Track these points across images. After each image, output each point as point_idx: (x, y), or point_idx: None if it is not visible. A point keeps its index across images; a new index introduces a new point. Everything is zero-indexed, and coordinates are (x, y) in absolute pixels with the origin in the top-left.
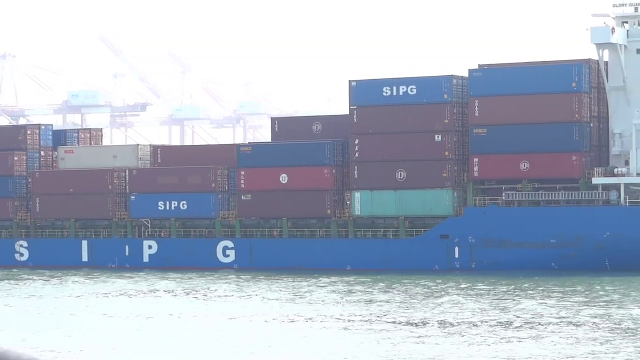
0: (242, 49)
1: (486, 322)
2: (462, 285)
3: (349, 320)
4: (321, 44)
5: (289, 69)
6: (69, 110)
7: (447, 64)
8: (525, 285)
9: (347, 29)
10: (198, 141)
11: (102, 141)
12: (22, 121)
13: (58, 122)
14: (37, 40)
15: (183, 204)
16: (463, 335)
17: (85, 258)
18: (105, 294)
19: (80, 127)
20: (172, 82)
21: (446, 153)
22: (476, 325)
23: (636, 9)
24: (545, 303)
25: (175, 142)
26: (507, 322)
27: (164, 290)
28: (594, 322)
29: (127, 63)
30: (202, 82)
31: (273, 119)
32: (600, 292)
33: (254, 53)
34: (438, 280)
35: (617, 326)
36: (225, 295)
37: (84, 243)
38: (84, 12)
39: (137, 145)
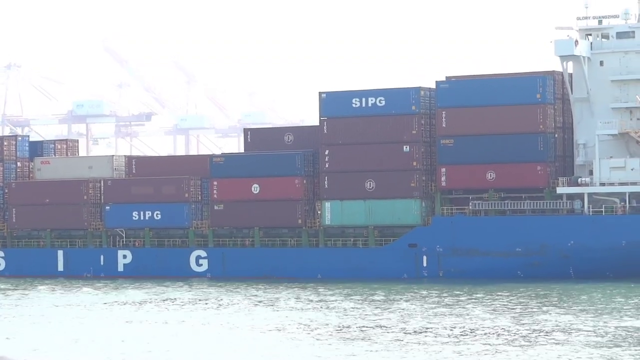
0: (247, 58)
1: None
2: (422, 292)
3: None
4: (323, 54)
5: (294, 78)
6: (73, 120)
7: (416, 76)
8: (480, 294)
9: (347, 37)
10: (203, 150)
11: (78, 152)
12: (26, 131)
13: (63, 132)
14: (42, 50)
15: (157, 214)
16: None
17: (61, 268)
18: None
19: (57, 139)
20: (177, 92)
21: (414, 163)
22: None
23: (600, 22)
24: (494, 311)
25: (181, 151)
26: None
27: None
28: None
29: (132, 73)
30: (206, 91)
31: (246, 130)
32: (549, 299)
33: (258, 63)
34: (396, 289)
35: (544, 334)
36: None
37: (60, 253)
38: (88, 22)
39: (112, 156)
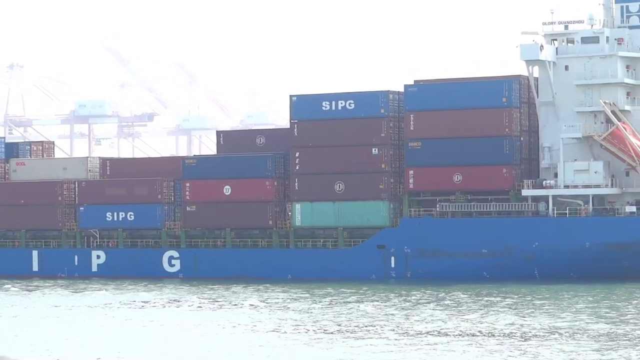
0: (248, 58)
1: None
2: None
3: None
4: (324, 54)
5: (295, 78)
6: (76, 121)
7: (385, 80)
8: (442, 294)
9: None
10: (205, 151)
11: (54, 154)
12: (29, 131)
13: (65, 132)
14: (45, 50)
15: (130, 214)
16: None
17: (35, 268)
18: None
19: (30, 141)
20: (179, 92)
21: (383, 166)
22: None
23: (566, 27)
24: (442, 312)
25: (182, 152)
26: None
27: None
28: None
29: (134, 73)
30: (208, 92)
31: (218, 132)
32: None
33: (260, 63)
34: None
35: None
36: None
37: (35, 253)
38: (90, 22)
39: (87, 157)
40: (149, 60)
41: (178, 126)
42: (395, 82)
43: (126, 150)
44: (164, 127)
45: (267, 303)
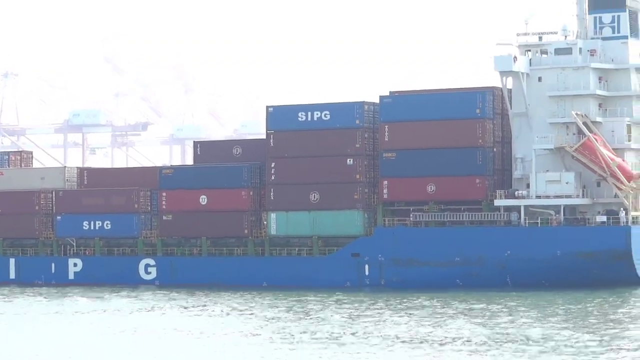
0: (246, 67)
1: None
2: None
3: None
4: (323, 63)
5: (293, 87)
6: (70, 130)
7: (361, 91)
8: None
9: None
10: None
11: (32, 164)
12: (22, 140)
13: (59, 141)
14: (39, 59)
15: (107, 224)
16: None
17: (12, 275)
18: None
19: (11, 150)
20: (174, 101)
21: (357, 176)
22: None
23: (540, 38)
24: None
25: (176, 161)
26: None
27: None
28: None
29: (129, 82)
30: (204, 101)
31: (195, 143)
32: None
33: (257, 72)
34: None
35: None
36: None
37: (12, 261)
38: (86, 31)
39: (64, 167)
40: (144, 69)
41: (172, 135)
42: (370, 93)
43: (120, 159)
44: (157, 136)
45: (233, 309)
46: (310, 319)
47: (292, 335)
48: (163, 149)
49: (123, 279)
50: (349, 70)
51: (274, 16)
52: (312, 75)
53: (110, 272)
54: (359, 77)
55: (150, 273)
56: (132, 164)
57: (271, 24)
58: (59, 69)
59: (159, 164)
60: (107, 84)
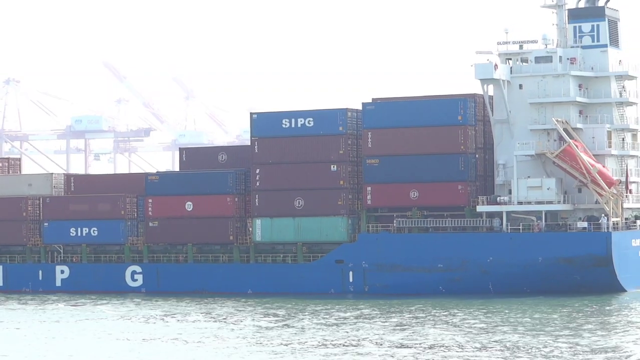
0: (246, 74)
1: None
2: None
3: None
4: (321, 71)
5: (293, 94)
6: (72, 136)
7: (347, 98)
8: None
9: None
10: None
11: (20, 170)
12: (25, 146)
13: (62, 147)
14: (41, 65)
15: (94, 230)
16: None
17: (0, 282)
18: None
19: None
20: (175, 107)
21: (341, 182)
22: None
23: (520, 47)
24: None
25: (178, 167)
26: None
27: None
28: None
29: (130, 89)
30: (205, 107)
31: (181, 149)
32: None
33: (257, 79)
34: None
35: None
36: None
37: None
38: (87, 38)
39: (52, 174)
40: (145, 76)
41: (174, 141)
42: (353, 100)
43: (122, 165)
44: (160, 142)
45: (211, 317)
46: (288, 326)
47: (271, 343)
48: (165, 155)
49: (110, 286)
50: (333, 78)
51: (260, 29)
52: (297, 83)
53: (96, 280)
54: (342, 85)
55: (136, 280)
56: (135, 169)
57: (260, 37)
58: (60, 76)
59: (162, 170)
60: (108, 91)
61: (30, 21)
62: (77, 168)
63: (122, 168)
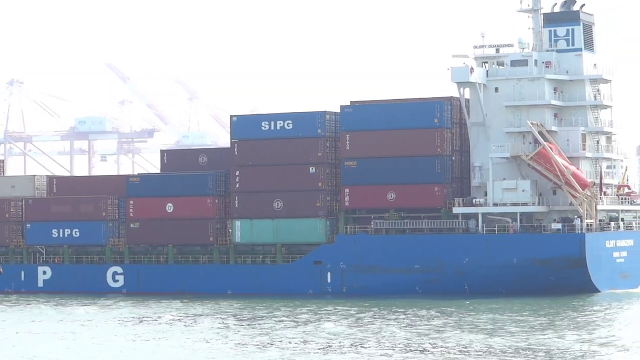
0: (249, 75)
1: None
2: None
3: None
4: (322, 72)
5: (293, 95)
6: (76, 137)
7: (326, 101)
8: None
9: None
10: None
11: (3, 172)
12: (29, 147)
13: (65, 148)
14: (45, 67)
15: (75, 231)
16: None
17: None
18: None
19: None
20: (179, 109)
21: (320, 184)
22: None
23: (497, 50)
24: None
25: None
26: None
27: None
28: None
29: (134, 90)
30: (209, 109)
31: (162, 151)
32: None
33: (260, 80)
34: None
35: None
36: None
37: None
38: (91, 39)
39: (34, 176)
40: (149, 77)
41: (178, 142)
42: (331, 103)
43: (126, 166)
44: (163, 143)
45: (180, 319)
46: (259, 327)
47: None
48: None
49: (91, 287)
50: (312, 81)
51: (260, 29)
52: (278, 86)
53: (78, 280)
54: (321, 88)
55: (117, 281)
56: (138, 170)
57: (259, 37)
58: (63, 77)
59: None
60: (111, 92)
61: (34, 22)
62: (81, 169)
63: (126, 169)
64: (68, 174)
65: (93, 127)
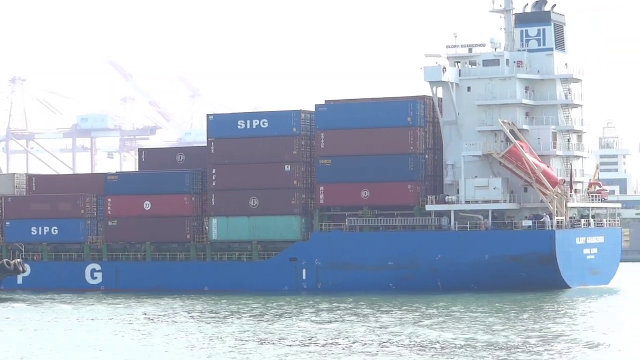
0: (251, 73)
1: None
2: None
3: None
4: (322, 72)
5: (295, 93)
6: (78, 134)
7: (298, 100)
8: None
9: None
10: None
11: None
12: (31, 145)
13: (68, 146)
14: (47, 64)
15: (54, 229)
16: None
17: None
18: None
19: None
20: (181, 106)
21: (295, 182)
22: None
23: (470, 50)
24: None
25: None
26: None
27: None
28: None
29: (136, 87)
30: (210, 106)
31: (140, 150)
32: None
33: (261, 77)
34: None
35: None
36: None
37: None
38: (93, 36)
39: (14, 174)
40: (151, 74)
41: (180, 139)
42: (306, 101)
43: (128, 163)
44: (166, 140)
45: (150, 317)
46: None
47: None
48: None
49: (70, 284)
50: (286, 80)
51: (260, 29)
52: (297, 83)
53: (57, 278)
54: (296, 87)
55: (96, 278)
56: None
57: (259, 37)
58: (65, 74)
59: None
60: (113, 90)
61: (36, 20)
62: (84, 166)
63: (129, 166)
64: (71, 172)
65: (95, 125)
